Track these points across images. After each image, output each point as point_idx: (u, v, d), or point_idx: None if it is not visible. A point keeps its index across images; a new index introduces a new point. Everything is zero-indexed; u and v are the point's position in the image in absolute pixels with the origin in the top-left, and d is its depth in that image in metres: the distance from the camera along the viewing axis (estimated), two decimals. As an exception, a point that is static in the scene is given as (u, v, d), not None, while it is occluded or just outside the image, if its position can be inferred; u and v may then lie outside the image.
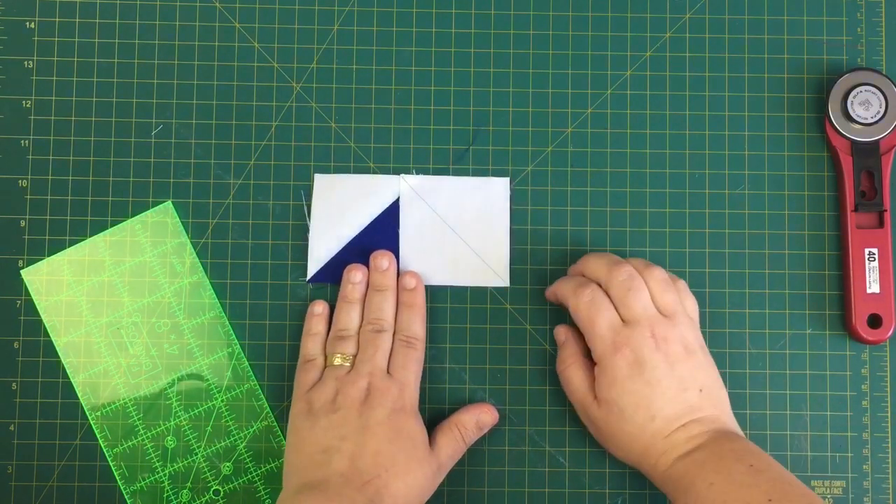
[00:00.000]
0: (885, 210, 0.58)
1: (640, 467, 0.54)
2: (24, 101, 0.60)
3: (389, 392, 0.54)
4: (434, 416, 0.58)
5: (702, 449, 0.51)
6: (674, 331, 0.53)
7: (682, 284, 0.56)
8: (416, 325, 0.57)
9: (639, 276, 0.54)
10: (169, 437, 0.58)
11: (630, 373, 0.52)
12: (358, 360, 0.56)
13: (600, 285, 0.54)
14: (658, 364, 0.52)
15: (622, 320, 0.53)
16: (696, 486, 0.49)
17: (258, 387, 0.58)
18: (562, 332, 0.57)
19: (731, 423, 0.53)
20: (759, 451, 0.51)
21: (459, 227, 0.59)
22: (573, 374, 0.56)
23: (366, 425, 0.53)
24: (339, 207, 0.59)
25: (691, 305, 0.55)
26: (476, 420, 0.57)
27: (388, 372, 0.55)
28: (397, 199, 0.59)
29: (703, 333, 0.58)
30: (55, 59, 0.60)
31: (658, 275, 0.54)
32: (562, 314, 0.59)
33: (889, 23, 0.61)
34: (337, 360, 0.56)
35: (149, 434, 0.58)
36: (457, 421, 0.57)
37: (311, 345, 0.57)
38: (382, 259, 0.58)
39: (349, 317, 0.57)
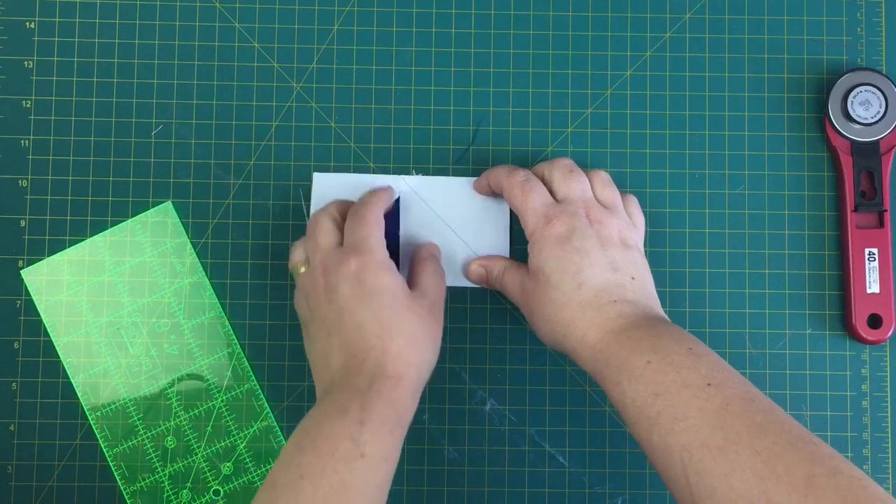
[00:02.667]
0: (885, 210, 0.58)
1: (565, 343, 0.51)
2: (24, 101, 0.60)
3: (343, 262, 0.51)
4: (434, 415, 0.58)
5: (637, 327, 0.49)
6: (611, 219, 0.53)
7: (634, 198, 0.56)
8: (362, 199, 0.55)
9: (580, 170, 0.55)
10: (169, 437, 0.58)
11: (559, 241, 0.51)
12: (309, 256, 0.54)
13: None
14: (589, 237, 0.51)
15: (557, 200, 0.54)
16: (630, 363, 0.47)
17: (258, 387, 0.58)
18: (486, 261, 0.57)
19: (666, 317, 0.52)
20: (696, 339, 0.49)
21: (459, 227, 0.59)
22: (509, 277, 0.55)
23: (339, 308, 0.50)
24: (339, 207, 0.59)
25: (639, 220, 0.56)
26: (436, 250, 0.57)
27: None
28: (397, 199, 0.59)
29: (703, 333, 0.58)
30: (55, 59, 0.60)
31: (602, 174, 0.56)
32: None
33: (889, 23, 0.61)
34: (302, 269, 0.54)
35: (149, 434, 0.58)
36: (427, 251, 0.56)
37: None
38: None
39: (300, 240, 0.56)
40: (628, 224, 0.54)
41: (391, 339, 0.49)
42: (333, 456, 0.45)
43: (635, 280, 0.52)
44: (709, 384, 0.45)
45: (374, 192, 0.56)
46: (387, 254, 0.52)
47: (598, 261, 0.51)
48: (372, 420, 0.47)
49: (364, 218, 0.53)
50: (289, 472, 0.46)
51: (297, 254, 0.55)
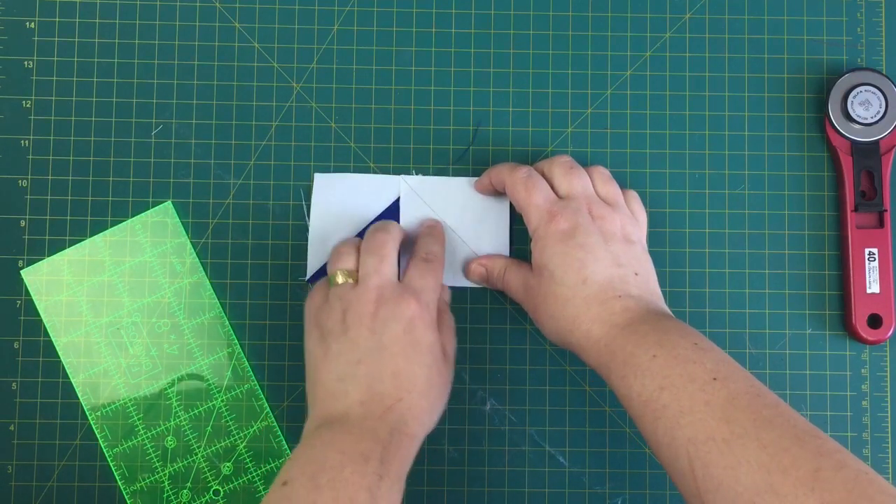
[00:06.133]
0: (885, 210, 0.58)
1: (570, 339, 0.51)
2: (24, 101, 0.60)
3: (403, 302, 0.51)
4: (434, 416, 0.58)
5: (642, 322, 0.49)
6: (613, 215, 0.53)
7: (635, 194, 0.57)
8: (436, 246, 0.55)
9: (580, 166, 0.55)
10: (169, 437, 0.58)
11: (563, 237, 0.51)
12: (362, 273, 0.52)
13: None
14: (592, 233, 0.52)
15: (559, 197, 0.54)
16: (636, 357, 0.47)
17: (258, 387, 0.58)
18: (487, 260, 0.57)
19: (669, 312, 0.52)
20: (701, 334, 0.49)
21: (459, 227, 0.59)
22: (511, 275, 0.55)
23: (380, 344, 0.50)
24: (338, 207, 0.59)
25: (641, 215, 0.56)
26: (448, 295, 0.57)
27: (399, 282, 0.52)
28: (397, 199, 0.59)
29: (703, 333, 0.58)
30: (55, 59, 0.60)
31: (603, 170, 0.56)
32: (562, 314, 0.59)
33: (889, 23, 0.61)
34: (339, 278, 0.53)
35: (149, 434, 0.58)
36: (441, 309, 0.55)
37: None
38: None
39: (351, 239, 0.55)
40: (630, 220, 0.54)
41: (420, 399, 0.50)
42: None
43: (639, 275, 0.52)
44: (714, 378, 0.45)
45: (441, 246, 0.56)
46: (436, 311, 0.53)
47: (602, 256, 0.51)
48: (389, 475, 0.47)
49: (432, 270, 0.54)
50: None
51: (347, 261, 0.53)
